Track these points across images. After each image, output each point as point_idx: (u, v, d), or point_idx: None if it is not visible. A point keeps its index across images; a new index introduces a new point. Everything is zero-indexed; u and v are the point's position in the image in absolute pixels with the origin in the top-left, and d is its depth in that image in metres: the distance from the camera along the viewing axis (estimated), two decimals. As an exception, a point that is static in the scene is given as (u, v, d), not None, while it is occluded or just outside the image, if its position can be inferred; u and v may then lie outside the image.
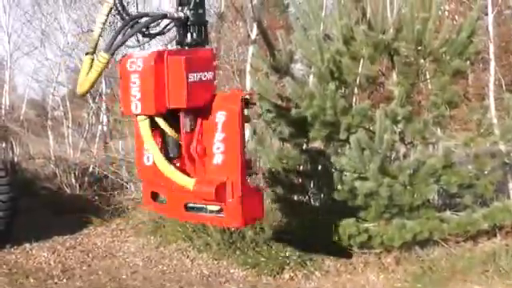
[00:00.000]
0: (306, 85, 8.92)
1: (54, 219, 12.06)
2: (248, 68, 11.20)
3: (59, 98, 18.67)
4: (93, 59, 5.13)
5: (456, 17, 13.28)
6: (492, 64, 11.05)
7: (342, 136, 8.56)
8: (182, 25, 5.15)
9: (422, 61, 8.61)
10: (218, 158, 4.94)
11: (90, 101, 16.36)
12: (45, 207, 13.04)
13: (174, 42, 5.38)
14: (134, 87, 5.07)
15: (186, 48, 5.26)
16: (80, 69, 14.94)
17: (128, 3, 5.60)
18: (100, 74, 5.04)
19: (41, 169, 16.36)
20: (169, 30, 5.41)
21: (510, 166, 9.22)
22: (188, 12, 5.11)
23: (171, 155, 5.31)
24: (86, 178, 14.85)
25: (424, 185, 8.28)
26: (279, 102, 9.16)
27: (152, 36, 5.34)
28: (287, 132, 9.08)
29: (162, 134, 5.30)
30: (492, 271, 8.17)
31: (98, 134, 17.45)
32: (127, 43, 5.24)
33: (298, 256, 9.07)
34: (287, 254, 9.10)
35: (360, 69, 8.89)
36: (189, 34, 5.14)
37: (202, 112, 5.05)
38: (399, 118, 8.35)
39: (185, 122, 5.10)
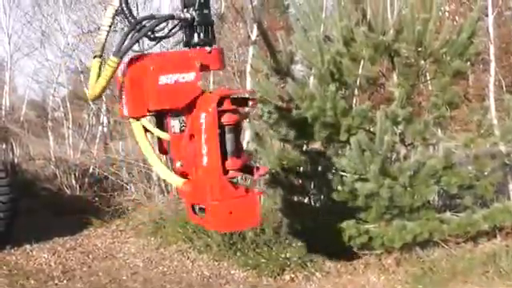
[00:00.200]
0: (306, 86, 8.92)
1: (55, 220, 12.08)
2: (248, 69, 11.21)
3: (59, 99, 18.71)
4: (101, 62, 5.12)
5: (456, 18, 13.29)
6: (492, 65, 11.06)
7: (343, 137, 8.57)
8: (189, 26, 5.14)
9: (422, 62, 8.61)
10: (204, 160, 4.93)
11: (90, 102, 16.34)
12: (45, 208, 13.06)
13: (181, 45, 5.36)
14: (123, 91, 5.12)
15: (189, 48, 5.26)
16: (79, 70, 15.05)
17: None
18: (111, 78, 5.01)
19: (41, 170, 16.40)
20: (174, 33, 5.39)
21: (510, 167, 9.22)
22: (194, 13, 5.11)
23: None
24: (87, 179, 14.88)
25: (424, 186, 8.29)
26: (279, 103, 9.16)
27: (158, 39, 5.33)
28: (287, 133, 9.08)
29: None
30: (492, 272, 8.17)
31: (98, 135, 17.50)
32: (133, 48, 5.22)
33: (298, 257, 9.07)
34: (288, 255, 9.10)
35: (360, 70, 8.91)
36: (195, 35, 5.13)
37: (189, 113, 5.03)
38: (399, 119, 8.34)
39: (172, 123, 5.12)
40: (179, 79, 4.92)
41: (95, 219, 12.06)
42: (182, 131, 5.08)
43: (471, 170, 8.55)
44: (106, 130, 17.41)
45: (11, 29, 20.05)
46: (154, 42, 5.35)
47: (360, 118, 8.50)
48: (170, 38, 5.65)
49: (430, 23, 8.20)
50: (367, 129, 8.60)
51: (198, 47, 5.11)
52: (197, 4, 5.10)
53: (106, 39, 5.17)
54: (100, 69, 5.06)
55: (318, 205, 9.90)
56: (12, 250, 10.05)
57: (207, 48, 5.06)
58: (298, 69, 9.67)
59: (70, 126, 17.35)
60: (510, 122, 8.62)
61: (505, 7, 15.43)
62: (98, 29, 6.05)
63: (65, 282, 8.86)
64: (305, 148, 9.48)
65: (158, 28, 5.23)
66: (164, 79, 4.91)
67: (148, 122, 5.29)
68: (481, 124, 8.68)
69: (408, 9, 8.33)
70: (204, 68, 5.05)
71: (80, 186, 14.62)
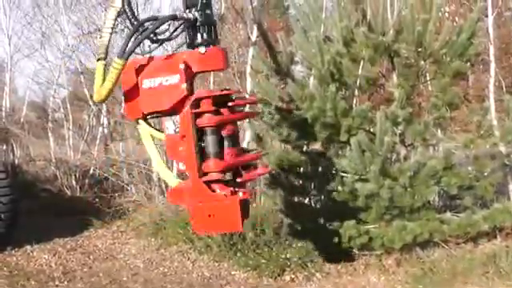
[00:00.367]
0: (306, 87, 8.93)
1: (55, 221, 12.08)
2: (248, 70, 11.23)
3: (60, 100, 18.70)
4: (105, 65, 5.11)
5: (456, 18, 13.28)
6: (492, 66, 11.08)
7: (343, 138, 8.57)
8: (192, 26, 5.14)
9: (422, 62, 8.62)
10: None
11: (91, 103, 16.35)
12: (45, 209, 13.05)
13: (185, 47, 5.36)
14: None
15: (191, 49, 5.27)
16: (80, 71, 15.05)
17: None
18: (117, 81, 5.01)
19: (41, 171, 16.40)
20: (176, 36, 5.39)
21: (510, 168, 9.23)
22: (196, 13, 5.11)
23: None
24: (87, 180, 14.88)
25: (424, 186, 8.29)
26: (280, 104, 9.16)
27: (160, 42, 5.33)
28: (288, 134, 9.08)
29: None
30: (492, 272, 8.17)
31: (98, 136, 17.49)
32: (135, 51, 5.22)
33: (298, 258, 9.07)
34: (288, 255, 9.10)
35: (360, 70, 8.90)
36: (199, 35, 5.13)
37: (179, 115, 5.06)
38: (399, 119, 8.35)
39: (166, 124, 5.14)
40: (163, 82, 4.96)
41: (96, 220, 12.08)
42: (176, 132, 5.09)
43: (471, 171, 8.56)
44: (106, 131, 17.41)
45: (11, 30, 20.01)
46: (156, 44, 5.34)
47: (360, 118, 8.51)
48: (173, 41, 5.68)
49: (429, 24, 8.21)
50: (367, 129, 8.61)
51: (197, 48, 5.11)
52: (199, 4, 5.10)
53: (109, 41, 5.16)
54: (104, 71, 5.06)
55: (318, 205, 9.89)
56: (13, 251, 10.06)
57: (201, 49, 5.04)
58: (298, 69, 9.68)
59: (71, 127, 17.35)
60: (509, 122, 8.62)
61: (505, 8, 15.47)
62: (99, 30, 6.06)
63: (65, 282, 8.87)
64: (305, 148, 9.48)
65: (160, 30, 5.24)
66: (147, 83, 4.98)
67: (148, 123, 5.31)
68: (481, 125, 8.69)
69: (408, 9, 8.34)
70: (196, 69, 5.05)
71: (80, 187, 14.63)
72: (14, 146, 16.75)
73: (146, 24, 5.14)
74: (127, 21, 5.19)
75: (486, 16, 10.67)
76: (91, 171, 15.40)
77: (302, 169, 9.59)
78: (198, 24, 5.11)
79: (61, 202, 13.66)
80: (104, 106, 16.35)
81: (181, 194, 5.01)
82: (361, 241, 8.64)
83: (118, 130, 17.59)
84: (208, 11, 5.17)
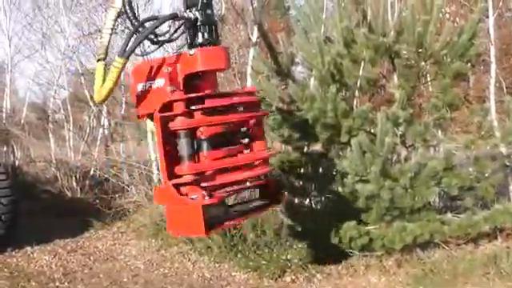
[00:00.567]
0: (306, 87, 8.92)
1: (55, 222, 12.08)
2: (249, 71, 11.21)
3: (60, 101, 18.71)
4: (105, 65, 5.12)
5: (457, 19, 13.28)
6: (493, 66, 11.06)
7: (343, 139, 8.57)
8: (192, 26, 5.15)
9: (422, 63, 8.62)
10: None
11: (91, 104, 16.36)
12: (46, 210, 13.06)
13: (185, 48, 5.36)
14: None
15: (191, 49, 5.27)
16: (80, 72, 15.06)
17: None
18: (117, 80, 5.02)
19: (42, 172, 16.41)
20: (177, 37, 5.40)
21: (511, 169, 9.21)
22: (197, 13, 5.11)
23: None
24: (87, 181, 14.89)
25: (425, 187, 8.29)
26: (280, 105, 9.16)
27: (161, 43, 5.33)
28: (288, 135, 9.08)
29: None
30: (493, 273, 8.16)
31: (99, 137, 17.48)
32: (135, 51, 5.22)
33: (299, 259, 9.07)
34: (288, 256, 9.10)
35: (361, 71, 8.90)
36: (199, 35, 5.13)
37: None
38: (400, 120, 8.35)
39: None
40: (152, 86, 5.03)
41: (96, 221, 12.09)
42: None
43: (472, 172, 8.55)
44: (106, 132, 17.43)
45: (12, 31, 20.02)
46: (156, 45, 5.35)
47: (361, 119, 8.51)
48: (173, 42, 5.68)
49: (430, 25, 8.21)
50: (368, 130, 8.61)
51: (200, 47, 5.11)
52: (199, 4, 5.11)
53: (109, 42, 5.16)
54: (105, 72, 5.06)
55: (318, 206, 9.89)
56: (13, 252, 10.06)
57: (190, 51, 5.05)
58: (298, 70, 9.69)
59: (71, 128, 17.37)
60: (510, 123, 8.61)
61: (505, 9, 15.47)
62: (99, 31, 6.05)
63: (66, 284, 8.86)
64: (306, 149, 9.48)
65: (160, 32, 5.25)
66: (140, 86, 5.06)
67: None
68: (481, 125, 8.68)
69: (408, 10, 8.33)
70: (187, 71, 5.05)
71: (81, 188, 14.63)
72: (15, 147, 16.76)
73: (147, 24, 5.15)
74: (128, 21, 5.20)
75: (487, 17, 10.65)
76: (92, 172, 15.41)
77: (302, 170, 9.60)
78: (198, 24, 5.12)
79: (61, 203, 13.67)
80: (104, 107, 16.38)
81: (161, 195, 5.04)
82: (361, 242, 8.64)
83: (119, 131, 17.62)
84: (209, 11, 5.18)
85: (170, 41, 5.43)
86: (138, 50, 5.30)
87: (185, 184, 4.83)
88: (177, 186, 4.83)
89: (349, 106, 8.75)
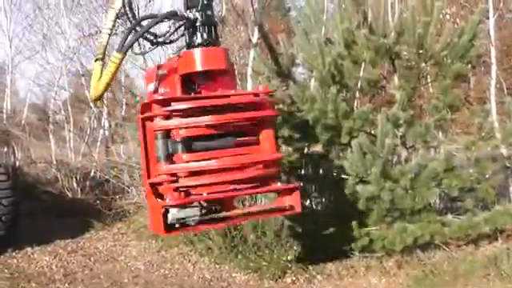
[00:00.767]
0: (307, 88, 8.92)
1: (56, 223, 12.10)
2: (249, 72, 11.20)
3: (61, 102, 18.76)
4: (102, 65, 5.13)
5: (457, 20, 13.30)
6: (493, 68, 11.08)
7: (344, 140, 8.56)
8: (192, 26, 5.16)
9: (423, 64, 8.62)
10: None
11: (92, 105, 16.37)
12: (46, 211, 13.08)
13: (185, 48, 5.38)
14: None
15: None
16: (81, 73, 15.06)
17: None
18: (114, 75, 5.04)
19: (42, 173, 16.42)
20: (177, 38, 5.42)
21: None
22: (197, 14, 5.13)
23: None
24: (88, 182, 14.91)
25: (425, 188, 8.28)
26: (281, 106, 9.16)
27: (158, 43, 5.35)
28: (289, 135, 9.08)
29: None
30: (493, 275, 8.16)
31: (99, 139, 17.51)
32: (134, 50, 5.24)
33: (299, 260, 9.07)
34: (289, 257, 9.09)
35: (361, 72, 8.90)
36: (198, 35, 5.15)
37: None
38: (401, 121, 8.34)
39: None
40: (148, 89, 5.26)
41: (96, 222, 12.10)
42: None
43: (472, 173, 8.55)
44: (107, 133, 17.45)
45: (12, 32, 20.11)
46: (156, 42, 5.37)
47: (361, 120, 8.51)
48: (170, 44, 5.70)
49: (430, 26, 8.21)
50: (368, 131, 8.60)
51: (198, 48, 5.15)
52: (200, 5, 5.13)
53: (107, 42, 5.17)
54: (101, 72, 5.08)
55: (319, 207, 9.89)
56: (13, 253, 10.07)
57: (181, 52, 5.12)
58: (299, 71, 9.69)
59: (72, 129, 17.40)
60: (511, 124, 8.61)
61: (506, 10, 15.46)
62: (100, 32, 6.07)
63: (66, 284, 8.86)
64: (306, 150, 9.48)
65: (160, 33, 5.27)
66: (149, 88, 5.25)
67: None
68: (482, 127, 8.67)
69: (409, 11, 8.33)
70: (180, 72, 5.12)
71: (81, 189, 14.65)
72: (15, 148, 16.77)
73: (145, 21, 5.17)
74: (128, 22, 5.22)
75: (487, 18, 10.67)
76: (92, 173, 15.42)
77: (302, 171, 9.59)
78: (198, 24, 5.13)
79: (62, 204, 13.68)
80: (105, 108, 16.39)
81: (146, 193, 5.17)
82: (362, 243, 8.64)
83: (119, 132, 17.63)
84: (209, 12, 5.19)
85: (170, 42, 5.45)
86: (137, 50, 5.32)
87: (159, 184, 4.93)
88: (155, 186, 4.96)
89: (349, 107, 8.75)
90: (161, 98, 4.86)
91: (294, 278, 8.90)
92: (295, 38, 9.42)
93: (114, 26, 5.18)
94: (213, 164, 4.91)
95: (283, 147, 9.76)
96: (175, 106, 4.83)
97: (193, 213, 4.95)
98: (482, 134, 8.65)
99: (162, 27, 5.40)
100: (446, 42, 8.34)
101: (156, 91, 5.09)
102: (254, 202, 9.00)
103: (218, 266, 9.50)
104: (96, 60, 5.19)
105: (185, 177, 4.90)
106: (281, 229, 9.46)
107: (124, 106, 17.55)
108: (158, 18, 5.18)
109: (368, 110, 8.57)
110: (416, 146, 8.68)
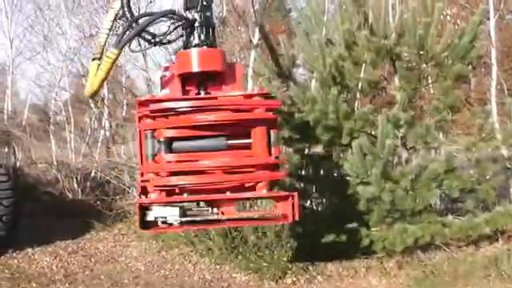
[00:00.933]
0: (308, 89, 8.92)
1: (57, 224, 12.10)
2: (250, 73, 11.21)
3: (61, 103, 18.75)
4: (99, 65, 5.14)
5: (458, 21, 13.30)
6: (494, 69, 11.08)
7: (344, 140, 8.57)
8: (190, 27, 5.17)
9: (424, 65, 8.63)
10: None
11: (92, 106, 16.38)
12: (47, 212, 13.08)
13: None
14: None
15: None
16: (81, 74, 15.06)
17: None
18: (109, 71, 5.04)
19: (43, 174, 16.41)
20: (176, 39, 5.43)
21: (512, 171, 9.24)
22: (195, 14, 5.14)
23: None
24: (88, 183, 14.89)
25: (426, 189, 8.29)
26: (281, 107, 9.16)
27: (158, 44, 5.36)
28: (289, 136, 9.08)
29: None
30: (494, 276, 8.17)
31: (100, 139, 17.51)
32: (132, 48, 5.24)
33: (300, 260, 9.07)
34: (289, 258, 9.09)
35: (362, 73, 8.91)
36: (196, 36, 5.16)
37: None
38: (401, 122, 8.35)
39: None
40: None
41: (97, 223, 12.10)
42: None
43: (473, 174, 8.56)
44: (107, 133, 17.45)
45: (13, 33, 20.12)
46: (154, 42, 5.38)
47: (362, 121, 8.51)
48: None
49: (431, 27, 8.22)
50: (369, 132, 8.61)
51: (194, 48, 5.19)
52: (199, 6, 5.14)
53: (105, 42, 5.19)
54: (97, 71, 5.10)
55: (319, 208, 9.90)
56: (14, 254, 10.06)
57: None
58: (299, 72, 9.70)
59: (72, 130, 17.39)
60: (511, 125, 8.62)
61: (506, 11, 15.46)
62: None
63: (67, 285, 8.86)
64: (307, 151, 9.48)
65: (159, 33, 5.28)
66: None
67: None
68: (482, 128, 8.68)
69: (410, 13, 8.34)
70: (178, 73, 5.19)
71: (82, 190, 14.63)
72: (16, 148, 16.76)
73: (142, 19, 5.18)
74: (127, 23, 5.22)
75: (488, 19, 10.68)
76: (93, 174, 15.41)
77: (303, 172, 9.59)
78: (196, 25, 5.15)
79: (62, 205, 13.68)
80: (106, 108, 16.39)
81: None
82: (362, 244, 8.64)
83: (120, 132, 17.64)
84: (208, 13, 5.20)
85: (168, 42, 5.46)
86: (137, 48, 5.35)
87: (147, 181, 5.01)
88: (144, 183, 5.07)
89: (350, 108, 8.76)
90: (143, 99, 4.92)
91: (294, 279, 8.90)
92: (296, 38, 9.43)
93: (112, 26, 5.19)
94: (187, 166, 4.97)
95: (284, 148, 9.76)
96: (152, 107, 4.90)
97: (172, 212, 4.98)
98: (482, 135, 8.66)
99: (162, 28, 5.41)
100: (446, 43, 8.35)
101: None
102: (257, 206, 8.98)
103: (218, 267, 9.50)
104: (93, 59, 5.21)
105: (166, 176, 4.94)
106: (281, 230, 9.46)
107: (125, 107, 17.56)
108: (155, 16, 5.18)
109: (369, 110, 8.58)
110: (416, 147, 8.69)
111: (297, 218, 5.01)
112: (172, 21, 5.25)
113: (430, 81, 9.24)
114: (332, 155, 9.16)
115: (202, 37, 5.16)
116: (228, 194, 4.96)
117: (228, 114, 4.94)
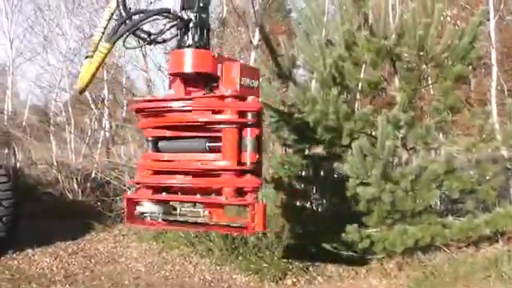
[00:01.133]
0: (308, 90, 8.92)
1: (57, 225, 12.07)
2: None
3: (61, 104, 18.74)
4: None
5: (458, 22, 13.29)
6: (494, 69, 11.08)
7: (345, 141, 8.57)
8: (185, 27, 5.18)
9: (424, 66, 8.63)
10: None
11: (93, 106, 16.38)
12: (47, 213, 13.06)
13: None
14: None
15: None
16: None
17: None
18: (101, 65, 5.06)
19: (43, 174, 16.40)
20: (170, 38, 5.43)
21: (512, 172, 9.23)
22: (191, 15, 5.15)
23: None
24: (89, 184, 14.89)
25: (426, 190, 8.28)
26: (281, 108, 9.17)
27: (153, 42, 5.36)
28: (290, 137, 9.08)
29: None
30: (494, 277, 8.17)
31: (100, 140, 17.51)
32: (127, 45, 5.25)
33: (300, 261, 9.07)
34: (290, 259, 9.10)
35: (362, 74, 8.91)
36: (190, 36, 5.17)
37: None
38: (401, 123, 8.34)
39: None
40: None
41: (97, 224, 12.10)
42: None
43: (473, 175, 8.55)
44: (108, 134, 17.45)
45: (13, 33, 20.12)
46: (144, 42, 5.40)
47: (362, 122, 8.51)
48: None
49: (431, 28, 8.21)
50: (369, 133, 8.60)
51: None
52: (196, 7, 5.15)
53: (99, 40, 5.20)
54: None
55: (319, 209, 9.90)
56: (14, 255, 10.04)
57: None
58: (299, 73, 9.71)
59: (72, 131, 17.38)
60: (511, 126, 8.61)
61: (506, 11, 15.46)
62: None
63: (67, 286, 8.85)
64: (307, 152, 9.48)
65: (154, 32, 5.29)
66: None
67: None
68: (483, 128, 8.67)
69: (410, 13, 8.33)
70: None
71: (82, 191, 14.63)
72: (16, 149, 16.75)
73: (136, 16, 5.20)
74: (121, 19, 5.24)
75: (488, 20, 10.67)
76: (93, 175, 15.41)
77: (303, 172, 9.59)
78: (191, 25, 5.16)
79: (62, 206, 13.67)
80: (106, 109, 16.38)
81: None
82: (362, 245, 8.63)
83: (120, 133, 17.63)
84: (203, 15, 5.21)
85: (163, 41, 5.49)
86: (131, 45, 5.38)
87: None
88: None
89: (350, 108, 8.75)
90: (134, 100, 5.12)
91: (294, 280, 8.90)
92: (296, 39, 9.43)
93: (107, 25, 5.22)
94: (159, 165, 5.15)
95: (284, 149, 9.78)
96: (131, 108, 5.06)
97: (155, 210, 5.11)
98: (482, 135, 8.65)
99: (159, 26, 5.42)
100: (446, 44, 8.35)
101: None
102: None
103: (218, 268, 9.50)
104: (86, 57, 5.22)
105: (151, 175, 5.12)
106: (281, 230, 9.47)
107: (125, 108, 17.57)
108: (149, 13, 5.20)
109: (369, 111, 8.57)
110: (417, 148, 8.68)
111: (259, 228, 4.94)
112: (167, 20, 5.26)
113: (430, 81, 9.23)
114: (332, 156, 9.15)
115: (196, 38, 5.16)
116: (198, 196, 5.02)
117: (197, 116, 5.01)
